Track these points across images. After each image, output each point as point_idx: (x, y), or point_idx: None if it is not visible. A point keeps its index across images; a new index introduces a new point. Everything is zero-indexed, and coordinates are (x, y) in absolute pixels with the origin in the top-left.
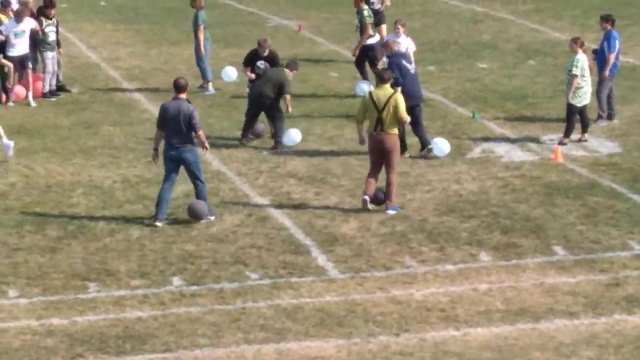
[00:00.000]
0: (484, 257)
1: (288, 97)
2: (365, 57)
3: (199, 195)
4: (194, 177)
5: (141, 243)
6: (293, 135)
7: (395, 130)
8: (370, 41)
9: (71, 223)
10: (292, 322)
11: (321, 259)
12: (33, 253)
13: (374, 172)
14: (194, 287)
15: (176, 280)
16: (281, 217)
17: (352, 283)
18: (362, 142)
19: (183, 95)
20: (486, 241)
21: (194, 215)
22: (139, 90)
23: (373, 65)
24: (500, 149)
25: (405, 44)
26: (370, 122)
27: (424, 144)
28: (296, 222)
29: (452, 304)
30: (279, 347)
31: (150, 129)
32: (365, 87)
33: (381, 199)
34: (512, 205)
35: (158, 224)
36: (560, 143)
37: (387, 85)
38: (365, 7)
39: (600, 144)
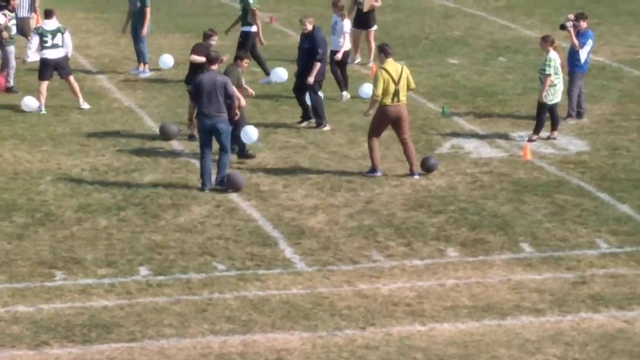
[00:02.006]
0: (451, 252)
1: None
2: (245, 42)
3: (220, 162)
4: (223, 146)
5: (109, 232)
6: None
7: (406, 99)
8: (249, 28)
9: (39, 210)
10: (258, 314)
11: (288, 252)
12: (0, 240)
13: (378, 141)
14: (160, 277)
15: (143, 270)
16: (249, 208)
17: (319, 276)
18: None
19: (214, 67)
20: (454, 237)
21: (234, 187)
22: (109, 78)
23: (243, 49)
24: (470, 145)
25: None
26: (386, 96)
27: (307, 116)
28: (264, 214)
29: (419, 299)
30: (244, 339)
31: (120, 118)
32: (281, 74)
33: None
34: (480, 202)
35: (207, 190)
36: (530, 140)
37: (392, 59)
38: None
39: (569, 142)
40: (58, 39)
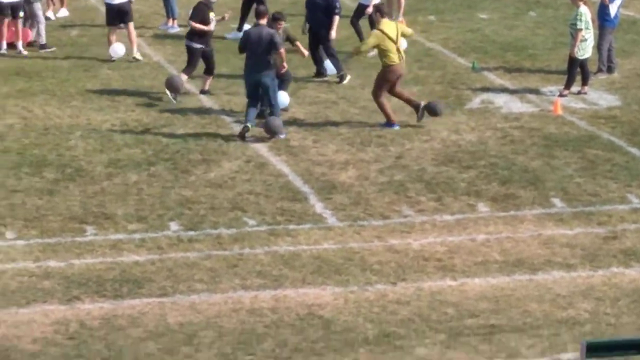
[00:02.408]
0: (482, 207)
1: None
2: None
3: (272, 113)
4: (270, 100)
5: (139, 187)
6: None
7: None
8: None
9: (69, 166)
10: (289, 269)
11: (319, 207)
12: (30, 195)
13: (386, 97)
14: (191, 232)
15: (173, 225)
16: (279, 164)
17: (350, 231)
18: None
19: (263, 21)
20: (484, 192)
21: (270, 131)
22: (138, 34)
23: (263, 4)
24: (500, 99)
25: None
26: (391, 55)
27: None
28: (294, 169)
29: (450, 254)
30: (275, 294)
31: (149, 73)
32: (331, 66)
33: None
34: (511, 157)
35: (249, 124)
36: (560, 95)
37: (387, 19)
38: None
39: (599, 96)
40: None
